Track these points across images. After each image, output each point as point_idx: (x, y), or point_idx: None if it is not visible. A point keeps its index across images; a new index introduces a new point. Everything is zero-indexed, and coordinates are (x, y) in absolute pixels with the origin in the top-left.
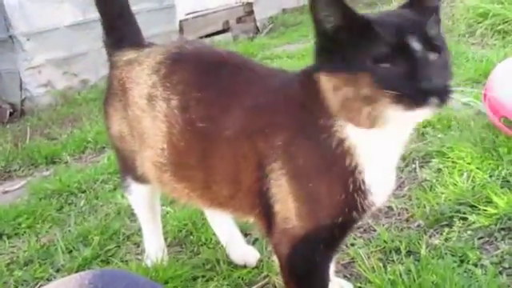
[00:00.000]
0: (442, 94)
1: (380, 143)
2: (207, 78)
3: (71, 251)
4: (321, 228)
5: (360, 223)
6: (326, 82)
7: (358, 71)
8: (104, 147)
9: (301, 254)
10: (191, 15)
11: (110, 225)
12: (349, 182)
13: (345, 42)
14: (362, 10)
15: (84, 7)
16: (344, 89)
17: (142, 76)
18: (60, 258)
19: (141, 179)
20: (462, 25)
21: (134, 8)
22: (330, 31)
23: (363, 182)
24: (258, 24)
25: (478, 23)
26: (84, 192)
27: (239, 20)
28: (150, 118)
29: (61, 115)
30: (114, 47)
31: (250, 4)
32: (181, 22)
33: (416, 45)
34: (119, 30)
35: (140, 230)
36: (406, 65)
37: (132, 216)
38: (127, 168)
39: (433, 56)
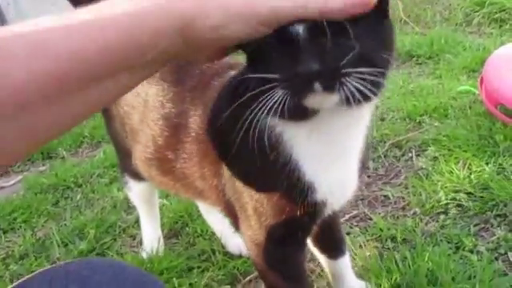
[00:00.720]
0: (327, 79)
1: (308, 132)
2: (183, 74)
3: (67, 245)
4: (272, 227)
5: (355, 212)
6: None
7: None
8: (100, 141)
9: (263, 253)
10: None
11: (105, 218)
12: (282, 177)
13: None
14: None
15: None
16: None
17: None
18: (56, 252)
19: (137, 176)
20: (459, 14)
21: None
22: None
23: (299, 178)
24: None
25: (475, 12)
26: (80, 186)
27: None
28: (137, 115)
29: None
30: None
31: None
32: None
33: (296, 28)
34: None
35: (136, 222)
36: (288, 50)
37: (128, 209)
38: (124, 165)
39: (322, 39)
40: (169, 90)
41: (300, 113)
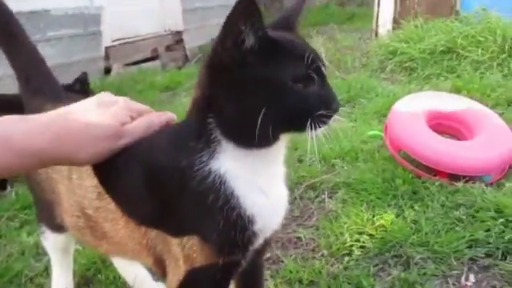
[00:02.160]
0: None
1: (252, 164)
2: None
3: None
4: (202, 274)
5: (269, 254)
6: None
7: (275, 92)
8: (12, 181)
9: None
10: (118, 42)
11: (11, 266)
12: (219, 220)
13: (254, 65)
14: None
15: None
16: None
17: None
18: None
19: (56, 229)
20: (375, 61)
21: (56, 33)
22: (240, 55)
23: (239, 214)
24: (188, 53)
25: (389, 59)
26: None
27: (168, 48)
28: (63, 186)
29: None
30: (30, 98)
31: (179, 33)
32: (107, 48)
33: (323, 68)
34: (35, 81)
35: (45, 270)
36: (319, 86)
37: (37, 256)
38: (42, 216)
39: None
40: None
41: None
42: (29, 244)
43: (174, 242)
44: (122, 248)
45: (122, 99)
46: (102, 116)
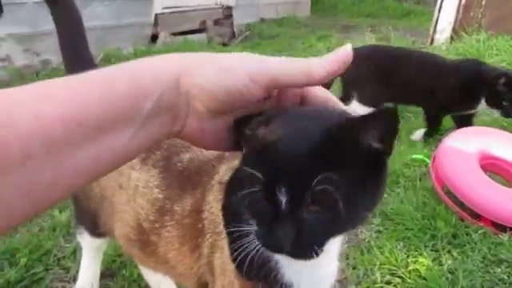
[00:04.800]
0: (297, 254)
1: None
2: (172, 161)
3: None
4: None
5: None
6: None
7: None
8: None
9: None
10: (169, 10)
11: (41, 243)
12: (260, 273)
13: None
14: (338, 34)
15: None
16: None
17: None
18: None
19: (96, 235)
20: None
21: None
22: None
23: (277, 278)
24: (235, 29)
25: None
26: None
27: (216, 22)
28: (125, 196)
29: None
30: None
31: (229, 8)
32: (157, 15)
33: (280, 199)
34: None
35: (73, 253)
36: (269, 210)
37: (67, 235)
38: (83, 220)
39: (310, 209)
40: (158, 176)
41: None
42: (60, 221)
43: (220, 278)
44: (170, 269)
45: None
46: None
